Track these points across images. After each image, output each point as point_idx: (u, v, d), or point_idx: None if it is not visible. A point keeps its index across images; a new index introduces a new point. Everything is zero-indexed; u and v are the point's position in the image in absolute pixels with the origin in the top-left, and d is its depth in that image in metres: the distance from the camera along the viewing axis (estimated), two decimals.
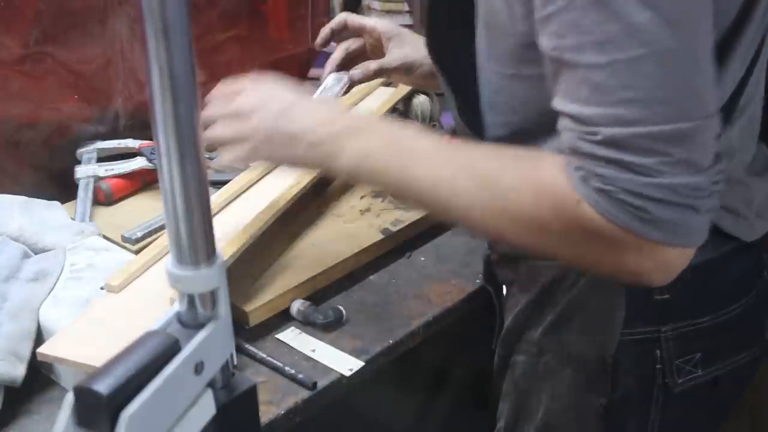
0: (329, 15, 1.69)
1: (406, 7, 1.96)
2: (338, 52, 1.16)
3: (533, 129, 0.78)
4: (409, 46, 1.10)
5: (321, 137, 0.80)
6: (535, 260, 0.85)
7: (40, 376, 0.90)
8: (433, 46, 0.87)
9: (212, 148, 0.96)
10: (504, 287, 0.96)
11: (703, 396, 0.86)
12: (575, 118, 0.63)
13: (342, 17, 1.14)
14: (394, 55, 1.10)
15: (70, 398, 0.44)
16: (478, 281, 1.09)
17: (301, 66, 1.64)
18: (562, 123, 0.65)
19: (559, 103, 0.65)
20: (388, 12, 1.98)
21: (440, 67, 0.87)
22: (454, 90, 0.85)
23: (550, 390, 0.88)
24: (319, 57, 1.68)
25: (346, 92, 1.10)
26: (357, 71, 1.11)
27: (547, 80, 0.68)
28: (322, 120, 0.82)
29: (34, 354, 0.86)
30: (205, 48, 1.38)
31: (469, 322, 1.10)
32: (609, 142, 0.61)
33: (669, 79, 0.60)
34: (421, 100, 1.56)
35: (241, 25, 1.44)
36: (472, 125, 0.84)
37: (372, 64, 1.11)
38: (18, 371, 0.85)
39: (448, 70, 0.86)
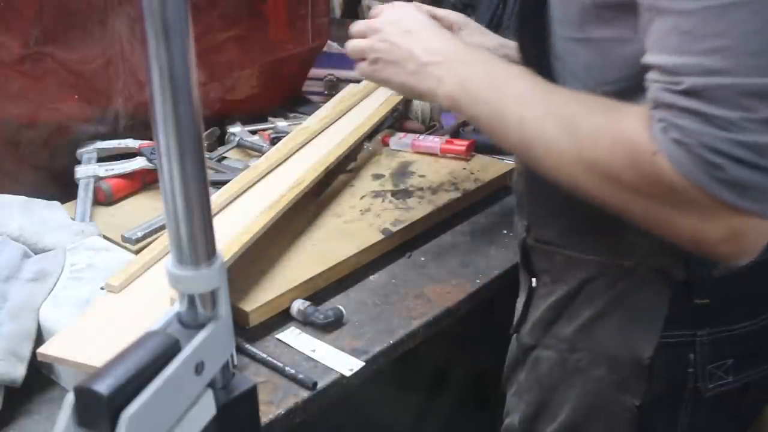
0: (329, 15, 1.69)
1: None
2: None
3: None
4: (480, 35, 1.15)
5: (432, 59, 0.85)
6: (572, 252, 0.84)
7: (40, 376, 0.90)
8: (521, 23, 0.88)
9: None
10: (534, 278, 0.94)
11: (732, 402, 0.85)
12: (661, 69, 0.61)
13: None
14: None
15: (70, 398, 0.44)
16: (478, 281, 1.09)
17: (301, 66, 1.65)
18: (650, 77, 0.63)
19: (648, 57, 0.63)
20: None
21: (521, 43, 0.87)
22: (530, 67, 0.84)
23: (580, 388, 0.87)
24: (319, 57, 1.68)
25: None
26: None
27: (616, 44, 0.69)
28: (438, 44, 0.87)
29: (34, 354, 0.86)
30: (205, 48, 1.38)
31: (469, 322, 1.10)
32: (692, 92, 0.59)
33: (763, 30, 0.57)
34: (421, 100, 1.56)
35: (241, 25, 1.44)
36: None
37: None
38: (18, 371, 0.84)
39: (526, 46, 0.86)
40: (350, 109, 1.43)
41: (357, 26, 0.98)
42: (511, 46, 1.17)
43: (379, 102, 1.46)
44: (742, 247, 0.63)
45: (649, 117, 0.63)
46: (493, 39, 1.15)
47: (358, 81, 1.55)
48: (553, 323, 0.89)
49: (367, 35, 0.95)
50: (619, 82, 0.74)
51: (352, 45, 0.98)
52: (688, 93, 0.59)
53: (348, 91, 1.50)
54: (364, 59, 0.96)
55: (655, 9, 0.62)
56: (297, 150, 1.28)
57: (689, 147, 0.59)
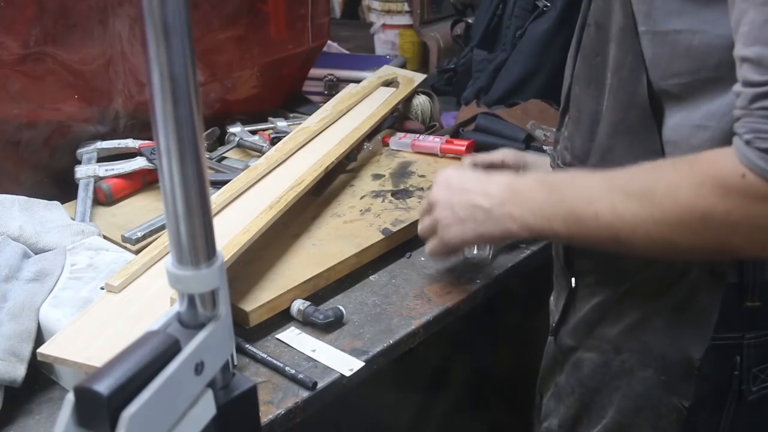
0: (329, 15, 1.69)
1: (406, 7, 1.96)
2: None
3: (660, 94, 0.78)
4: (539, 162, 1.14)
5: (494, 201, 0.86)
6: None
7: (40, 376, 0.90)
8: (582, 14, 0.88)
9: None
10: (574, 278, 0.94)
11: None
12: (754, 63, 0.60)
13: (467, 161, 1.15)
14: None
15: (70, 398, 0.44)
16: (478, 281, 1.09)
17: (301, 66, 1.65)
18: (741, 73, 0.63)
19: (739, 49, 0.63)
20: (388, 12, 1.99)
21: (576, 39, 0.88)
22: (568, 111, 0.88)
23: (626, 389, 0.87)
24: (319, 57, 1.68)
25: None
26: None
27: (685, 36, 0.69)
28: (494, 187, 0.88)
29: (34, 354, 0.86)
30: (205, 48, 1.38)
31: (469, 322, 1.10)
32: None
33: None
34: (421, 101, 1.56)
35: (241, 25, 1.44)
36: (577, 152, 0.88)
37: None
38: (18, 371, 0.84)
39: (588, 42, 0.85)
40: (350, 110, 1.43)
41: (421, 209, 1.00)
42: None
43: (378, 102, 1.46)
44: None
45: (722, 151, 0.65)
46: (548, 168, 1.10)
47: (357, 81, 1.55)
48: (597, 325, 0.88)
49: (430, 212, 0.96)
50: (684, 75, 0.74)
51: (421, 227, 0.99)
52: None
53: (348, 92, 1.50)
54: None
55: (749, 0, 0.61)
56: (297, 150, 1.28)
57: None
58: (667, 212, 0.68)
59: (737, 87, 0.64)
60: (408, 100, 1.54)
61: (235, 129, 1.46)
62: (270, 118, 1.54)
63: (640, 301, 0.84)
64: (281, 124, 1.52)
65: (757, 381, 0.82)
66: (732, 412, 0.83)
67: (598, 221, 0.74)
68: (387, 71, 1.57)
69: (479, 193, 0.88)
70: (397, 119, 1.54)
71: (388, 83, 1.55)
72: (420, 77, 1.55)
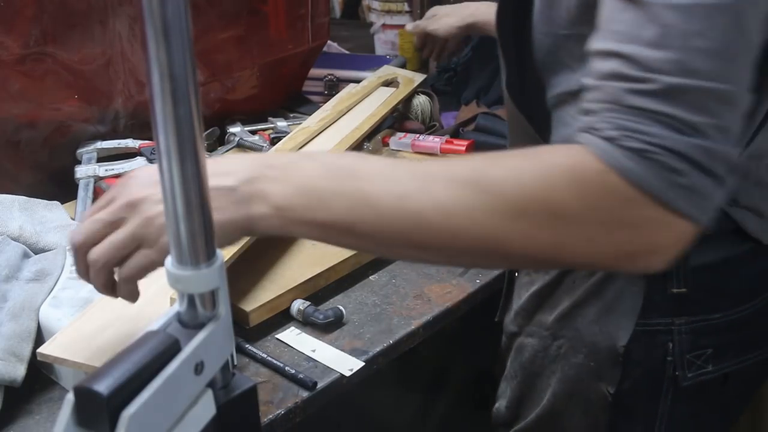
0: (329, 15, 1.69)
1: (406, 7, 1.96)
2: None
3: (581, 91, 0.76)
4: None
5: (239, 179, 0.63)
6: None
7: (40, 376, 0.90)
8: (500, 16, 0.85)
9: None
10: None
11: (713, 393, 0.86)
12: (630, 60, 0.57)
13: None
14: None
15: (70, 398, 0.44)
16: (478, 281, 1.09)
17: (301, 66, 1.65)
18: (607, 66, 0.59)
19: (609, 44, 0.59)
20: (388, 12, 1.99)
21: (501, 33, 0.85)
22: (508, 59, 0.84)
23: (560, 374, 0.88)
24: (319, 57, 1.68)
25: None
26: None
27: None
28: (236, 165, 0.65)
29: (34, 354, 0.86)
30: (205, 48, 1.38)
31: (469, 322, 1.10)
32: (665, 93, 0.56)
33: (739, 38, 0.56)
34: (421, 101, 1.56)
35: (241, 25, 1.44)
36: (519, 102, 0.84)
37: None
38: (18, 371, 0.84)
39: (510, 37, 0.84)
40: (350, 109, 1.43)
41: (77, 237, 0.70)
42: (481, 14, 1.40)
43: (378, 102, 1.46)
44: (665, 258, 0.60)
45: (580, 142, 0.59)
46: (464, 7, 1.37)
47: (357, 81, 1.55)
48: (536, 311, 0.90)
49: (118, 225, 0.67)
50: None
51: (94, 259, 0.69)
52: (661, 94, 0.56)
53: (348, 92, 1.50)
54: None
55: (630, 0, 0.58)
56: (296, 150, 1.28)
57: (650, 154, 0.56)
58: (507, 201, 0.58)
59: (593, 81, 0.60)
60: (408, 100, 1.54)
61: (235, 129, 1.46)
62: (270, 118, 1.54)
63: (572, 288, 0.85)
64: (281, 124, 1.52)
65: (693, 367, 0.83)
66: (670, 399, 0.84)
67: (401, 204, 0.60)
68: (387, 71, 1.57)
69: (218, 173, 0.63)
70: (397, 119, 1.54)
71: (388, 83, 1.55)
72: (420, 77, 1.56)
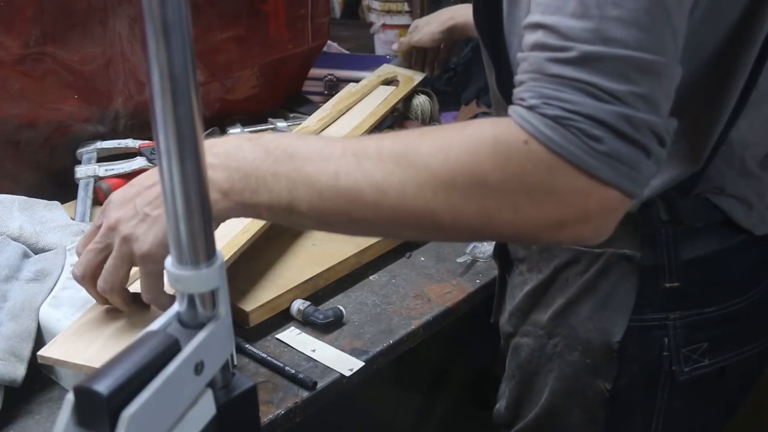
0: (329, 15, 1.69)
1: (406, 7, 1.96)
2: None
3: None
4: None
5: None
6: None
7: (40, 376, 0.90)
8: (478, 20, 0.87)
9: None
10: (509, 266, 0.97)
11: (710, 386, 0.87)
12: (553, 30, 0.59)
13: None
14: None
15: (70, 398, 0.44)
16: (478, 281, 1.09)
17: (301, 66, 1.65)
18: (533, 38, 0.60)
19: (536, 17, 0.61)
20: (388, 12, 1.99)
21: (481, 34, 0.87)
22: (494, 61, 0.85)
23: (557, 372, 0.89)
24: (319, 57, 1.68)
25: None
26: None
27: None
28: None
29: (34, 354, 0.86)
30: (205, 48, 1.38)
31: (469, 322, 1.10)
32: (583, 60, 0.57)
33: (654, 8, 0.58)
34: (421, 101, 1.56)
35: (241, 25, 1.44)
36: (509, 97, 0.84)
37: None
38: (18, 371, 0.84)
39: (489, 38, 0.85)
40: (349, 109, 1.43)
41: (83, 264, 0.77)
42: (459, 16, 1.44)
43: (378, 101, 1.46)
44: (597, 228, 0.61)
45: (504, 118, 0.61)
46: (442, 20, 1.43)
47: (357, 81, 1.55)
48: (531, 311, 0.91)
49: (107, 249, 0.75)
50: None
51: (104, 280, 0.76)
52: (578, 61, 0.57)
53: (347, 91, 1.50)
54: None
55: None
56: None
57: (570, 121, 0.57)
58: (435, 174, 0.60)
59: (522, 53, 0.62)
60: (408, 99, 1.54)
61: (234, 130, 1.46)
62: (270, 119, 1.54)
63: (565, 286, 0.86)
64: (281, 124, 1.52)
65: (689, 361, 0.83)
66: (667, 393, 0.85)
67: (336, 183, 0.62)
68: (386, 70, 1.57)
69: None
70: (397, 119, 1.54)
71: (388, 82, 1.55)
72: (420, 76, 1.56)
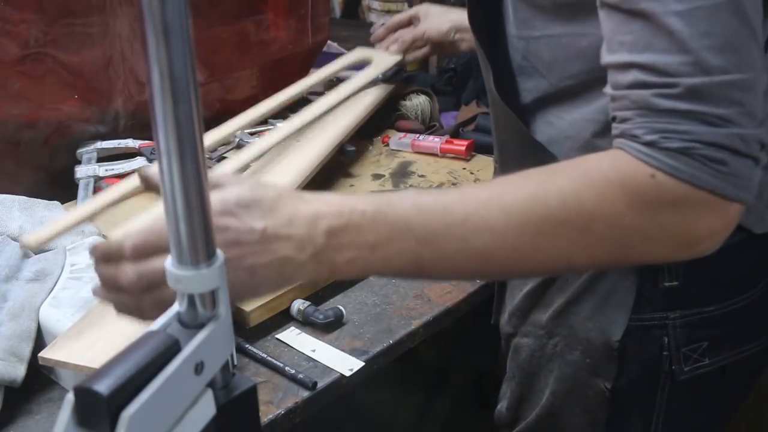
0: (329, 15, 1.69)
1: (406, 7, 1.96)
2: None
3: (559, 93, 0.80)
4: (439, 16, 1.38)
5: (308, 253, 0.62)
6: None
7: (40, 376, 0.90)
8: (472, 18, 0.89)
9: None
10: None
11: (710, 385, 0.87)
12: (651, 69, 0.61)
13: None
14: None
15: (70, 398, 0.44)
16: (478, 281, 1.09)
17: (301, 66, 1.64)
18: (628, 77, 0.62)
19: (624, 56, 0.62)
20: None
21: (478, 38, 0.88)
22: (491, 61, 0.86)
23: (557, 372, 0.89)
24: (319, 57, 1.68)
25: None
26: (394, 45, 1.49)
27: (575, 39, 0.68)
28: (298, 229, 0.62)
29: (34, 354, 0.86)
30: (205, 48, 1.38)
31: (469, 322, 1.10)
32: (690, 93, 0.59)
33: (741, 28, 0.60)
34: (421, 101, 1.56)
35: (241, 25, 1.44)
36: (507, 97, 0.85)
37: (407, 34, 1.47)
38: (18, 371, 0.84)
39: (485, 41, 0.87)
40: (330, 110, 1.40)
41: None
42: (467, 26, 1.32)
43: (372, 97, 1.45)
44: (720, 239, 0.64)
45: (617, 150, 0.62)
46: (455, 16, 1.40)
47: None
48: (530, 311, 0.91)
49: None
50: (580, 75, 0.77)
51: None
52: (686, 95, 0.60)
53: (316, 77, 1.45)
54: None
55: (630, 12, 0.62)
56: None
57: (692, 150, 0.59)
58: (569, 224, 0.62)
59: (618, 92, 0.63)
60: (405, 97, 1.54)
61: (235, 133, 1.46)
62: (270, 120, 1.54)
63: (565, 286, 0.86)
64: (281, 125, 1.51)
65: (689, 361, 0.84)
66: (667, 393, 0.85)
67: (465, 246, 0.62)
68: (361, 54, 1.54)
69: (284, 238, 0.61)
70: (397, 119, 1.54)
71: (386, 78, 1.53)
72: (395, 58, 1.51)
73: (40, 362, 0.83)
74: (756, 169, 0.62)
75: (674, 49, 0.60)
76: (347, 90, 1.40)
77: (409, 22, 1.50)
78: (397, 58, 1.51)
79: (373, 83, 1.47)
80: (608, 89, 0.65)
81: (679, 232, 0.62)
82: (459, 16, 1.42)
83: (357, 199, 0.64)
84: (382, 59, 1.51)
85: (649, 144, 0.61)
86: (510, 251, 0.63)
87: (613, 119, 0.64)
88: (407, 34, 1.48)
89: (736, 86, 0.60)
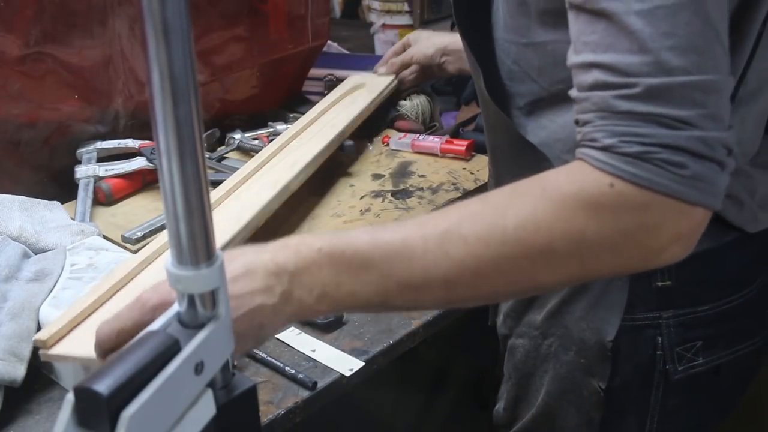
0: (329, 15, 1.69)
1: (406, 7, 1.96)
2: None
3: (552, 97, 0.80)
4: (427, 39, 1.46)
5: (277, 298, 0.63)
6: None
7: (40, 376, 0.90)
8: (460, 23, 0.89)
9: None
10: None
11: (705, 385, 0.86)
12: (612, 69, 0.60)
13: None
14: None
15: (70, 398, 0.44)
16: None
17: (301, 66, 1.64)
18: (590, 77, 0.61)
19: (587, 56, 0.62)
20: (388, 12, 1.99)
21: (467, 41, 0.88)
22: (481, 64, 0.86)
23: (552, 372, 0.89)
24: (319, 57, 1.68)
25: None
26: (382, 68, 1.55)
27: (560, 46, 0.67)
28: (260, 278, 0.63)
29: (34, 354, 0.86)
30: (205, 48, 1.38)
31: (469, 322, 1.09)
32: (650, 94, 0.58)
33: (705, 30, 0.59)
34: (421, 101, 1.56)
35: (241, 25, 1.44)
36: (498, 99, 0.86)
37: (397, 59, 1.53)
38: (18, 371, 0.84)
39: (474, 44, 0.87)
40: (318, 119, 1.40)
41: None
42: (455, 46, 1.42)
43: (373, 94, 1.45)
44: (687, 245, 0.63)
45: (575, 163, 0.62)
46: (439, 40, 1.46)
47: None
48: (525, 312, 0.91)
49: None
50: (567, 80, 0.76)
51: None
52: (646, 96, 0.59)
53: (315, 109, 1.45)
54: None
55: (593, 12, 0.61)
56: (282, 149, 1.27)
57: (650, 154, 0.58)
58: (529, 245, 0.61)
59: (581, 93, 0.63)
60: (399, 95, 1.54)
61: (235, 135, 1.46)
62: (270, 123, 1.54)
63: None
64: (281, 128, 1.51)
65: (683, 360, 0.83)
66: (661, 393, 0.85)
67: (427, 275, 0.62)
68: (354, 81, 1.55)
69: (249, 291, 0.62)
70: (396, 119, 1.54)
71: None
72: (387, 79, 1.53)
73: (42, 359, 0.83)
74: (722, 173, 0.60)
75: (635, 48, 0.59)
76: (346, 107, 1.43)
77: (403, 50, 1.55)
78: (389, 79, 1.53)
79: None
80: (573, 92, 0.64)
81: (644, 239, 0.61)
82: (445, 40, 1.47)
83: (314, 239, 0.65)
84: (375, 82, 1.52)
85: (605, 149, 0.60)
86: (473, 278, 0.63)
87: (576, 122, 0.64)
88: (397, 59, 1.54)
89: (697, 88, 0.59)
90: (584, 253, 0.61)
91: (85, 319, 0.86)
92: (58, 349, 0.82)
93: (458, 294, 0.64)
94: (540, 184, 0.63)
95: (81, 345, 0.82)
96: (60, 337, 0.83)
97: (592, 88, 0.61)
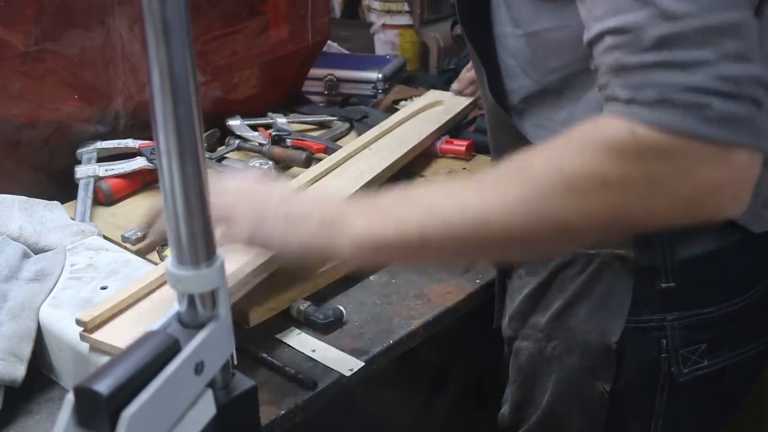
0: (329, 15, 1.69)
1: (406, 7, 1.96)
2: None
3: (544, 92, 0.80)
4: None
5: (330, 214, 0.72)
6: None
7: (40, 376, 0.90)
8: (463, 21, 0.89)
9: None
10: (507, 270, 0.97)
11: (709, 387, 0.86)
12: (620, 30, 0.60)
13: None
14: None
15: (70, 398, 0.44)
16: (478, 281, 1.09)
17: (301, 66, 1.65)
18: (601, 46, 0.61)
19: (597, 27, 0.62)
20: (388, 12, 1.99)
21: (470, 40, 0.88)
22: (484, 63, 0.86)
23: (556, 375, 0.89)
24: (319, 57, 1.68)
25: None
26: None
27: (554, 33, 0.69)
28: (321, 200, 0.76)
29: (34, 354, 0.86)
30: (205, 48, 1.38)
31: (469, 322, 1.09)
32: (659, 43, 0.57)
33: None
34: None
35: (241, 25, 1.44)
36: (501, 100, 0.86)
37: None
38: (18, 371, 0.84)
39: (477, 43, 0.87)
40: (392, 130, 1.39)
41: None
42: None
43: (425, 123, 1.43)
44: (734, 197, 0.60)
45: (599, 114, 0.62)
46: None
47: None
48: (530, 314, 0.91)
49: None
50: (561, 69, 0.76)
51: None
52: (655, 46, 0.58)
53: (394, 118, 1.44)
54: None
55: None
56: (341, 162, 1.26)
57: (671, 100, 0.57)
58: (555, 184, 0.62)
59: (597, 61, 0.63)
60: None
61: (234, 122, 1.46)
62: (270, 113, 1.54)
63: (563, 288, 0.86)
64: (281, 120, 1.52)
65: (688, 363, 0.83)
66: (666, 395, 0.84)
67: (463, 213, 0.65)
68: (434, 96, 1.53)
69: (301, 199, 0.76)
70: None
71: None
72: (467, 100, 1.51)
73: (81, 339, 0.81)
74: (754, 110, 0.58)
75: (638, 6, 0.58)
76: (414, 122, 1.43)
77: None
78: (467, 101, 1.51)
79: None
80: (592, 64, 0.64)
81: (674, 186, 0.59)
82: None
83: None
84: (453, 102, 1.50)
85: (626, 102, 0.59)
86: (505, 216, 0.64)
87: (600, 90, 0.64)
88: (466, 75, 1.52)
89: (709, 30, 0.57)
90: (611, 196, 0.61)
91: (128, 308, 0.86)
92: (100, 335, 0.81)
93: (491, 235, 0.65)
94: (570, 133, 0.63)
95: (122, 336, 0.81)
96: (102, 321, 0.83)
97: (605, 53, 0.61)
